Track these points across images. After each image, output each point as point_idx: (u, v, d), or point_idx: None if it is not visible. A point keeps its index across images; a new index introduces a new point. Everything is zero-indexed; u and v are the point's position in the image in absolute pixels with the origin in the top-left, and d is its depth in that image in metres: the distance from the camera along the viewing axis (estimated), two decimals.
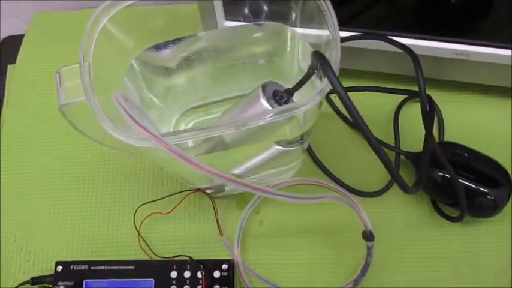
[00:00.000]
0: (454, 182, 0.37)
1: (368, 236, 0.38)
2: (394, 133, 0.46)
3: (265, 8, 0.36)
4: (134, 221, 0.42)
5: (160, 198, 0.42)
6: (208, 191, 0.42)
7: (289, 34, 0.35)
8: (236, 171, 0.36)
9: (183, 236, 0.43)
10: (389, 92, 0.45)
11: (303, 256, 0.42)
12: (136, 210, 0.42)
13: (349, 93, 0.36)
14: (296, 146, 0.34)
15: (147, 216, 0.42)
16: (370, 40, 0.41)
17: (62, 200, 0.45)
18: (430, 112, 0.35)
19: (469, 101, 0.48)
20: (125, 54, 0.34)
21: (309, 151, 0.46)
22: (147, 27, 0.37)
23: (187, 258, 0.40)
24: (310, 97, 0.25)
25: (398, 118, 0.46)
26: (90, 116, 0.27)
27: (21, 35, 0.54)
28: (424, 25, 0.41)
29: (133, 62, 0.36)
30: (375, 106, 0.47)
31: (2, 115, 0.49)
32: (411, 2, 0.41)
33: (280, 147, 0.33)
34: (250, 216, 0.43)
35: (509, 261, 0.40)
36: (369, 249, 0.39)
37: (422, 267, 0.41)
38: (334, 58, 0.26)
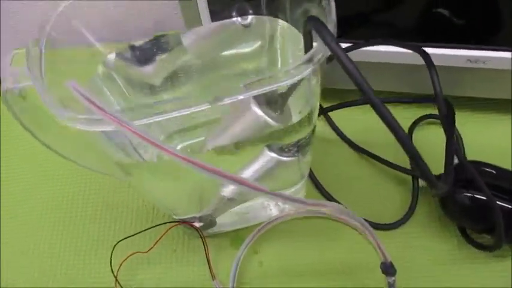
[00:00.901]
0: (489, 203, 0.31)
1: (388, 268, 0.32)
2: None
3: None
4: (111, 263, 0.35)
5: (141, 232, 0.36)
6: (196, 224, 0.36)
7: (279, 29, 0.32)
8: (226, 191, 0.31)
9: (170, 280, 0.37)
10: (401, 103, 0.40)
11: None
12: (114, 247, 0.36)
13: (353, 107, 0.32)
14: (291, 157, 0.29)
15: (127, 257, 0.36)
16: (374, 53, 0.37)
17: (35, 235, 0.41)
18: (450, 115, 0.30)
19: (484, 119, 0.43)
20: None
21: (313, 179, 0.40)
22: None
23: None
24: (297, 64, 0.20)
25: (411, 139, 0.41)
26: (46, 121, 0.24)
27: None
28: (431, 32, 0.38)
29: (116, 78, 0.32)
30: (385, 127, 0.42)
31: None
32: (415, 14, 0.38)
33: (273, 154, 0.28)
34: (247, 256, 0.37)
35: None
36: (391, 286, 0.32)
37: None
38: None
